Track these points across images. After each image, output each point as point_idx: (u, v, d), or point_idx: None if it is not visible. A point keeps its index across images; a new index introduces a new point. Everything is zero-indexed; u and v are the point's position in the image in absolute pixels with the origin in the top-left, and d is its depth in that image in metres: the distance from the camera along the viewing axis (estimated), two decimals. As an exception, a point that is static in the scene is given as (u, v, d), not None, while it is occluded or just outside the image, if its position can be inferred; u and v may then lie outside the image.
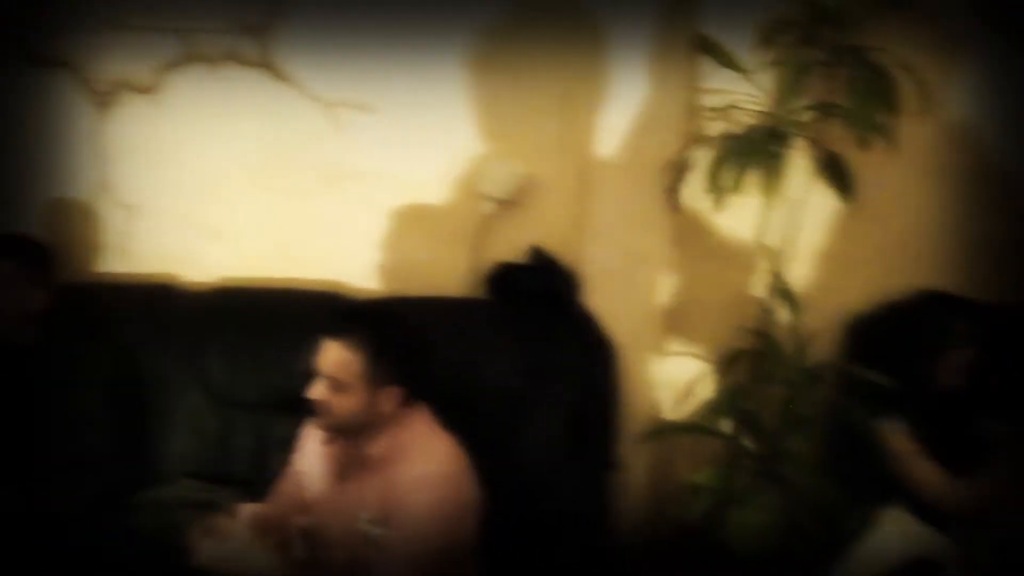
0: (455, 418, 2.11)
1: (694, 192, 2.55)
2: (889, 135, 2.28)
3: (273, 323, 2.54)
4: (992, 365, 2.50)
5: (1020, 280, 2.83)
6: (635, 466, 2.63)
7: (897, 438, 2.47)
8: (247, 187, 2.70)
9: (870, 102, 2.18)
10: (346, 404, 1.97)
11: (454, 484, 2.01)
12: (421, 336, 2.12)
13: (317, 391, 1.98)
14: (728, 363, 2.49)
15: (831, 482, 2.61)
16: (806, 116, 2.39)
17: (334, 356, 1.97)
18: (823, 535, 2.50)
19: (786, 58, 2.37)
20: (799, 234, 2.68)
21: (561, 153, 2.62)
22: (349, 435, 2.04)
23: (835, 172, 2.45)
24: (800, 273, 2.77)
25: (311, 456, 2.19)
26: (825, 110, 2.33)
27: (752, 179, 2.35)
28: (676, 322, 2.73)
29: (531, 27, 2.57)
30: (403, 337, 2.06)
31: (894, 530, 2.47)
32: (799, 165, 2.45)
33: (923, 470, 2.46)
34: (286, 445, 2.27)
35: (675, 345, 2.73)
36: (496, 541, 2.11)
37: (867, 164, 2.56)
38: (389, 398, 1.99)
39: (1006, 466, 2.43)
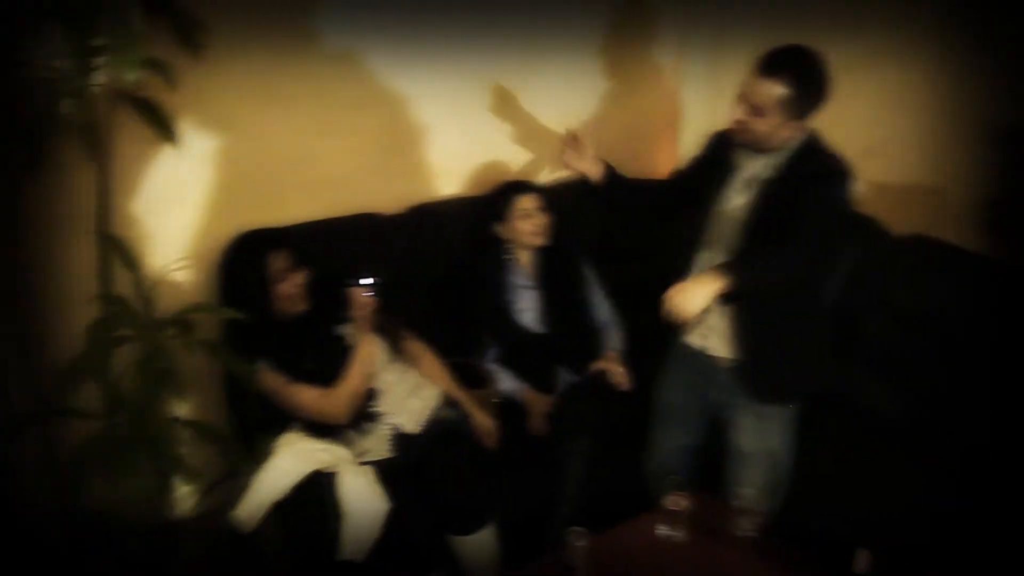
0: None
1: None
2: (169, 75, 2.24)
3: None
4: (329, 278, 2.61)
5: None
6: (21, 464, 2.43)
7: (266, 377, 2.51)
8: None
9: (129, 44, 2.09)
10: None
11: None
12: None
13: None
14: (89, 335, 2.34)
15: (226, 426, 2.63)
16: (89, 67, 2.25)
17: None
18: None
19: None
20: (157, 186, 2.63)
21: None
22: None
23: (151, 117, 2.36)
24: (172, 223, 2.72)
25: None
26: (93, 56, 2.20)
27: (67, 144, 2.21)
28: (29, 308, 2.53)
29: None
30: None
31: (287, 453, 2.53)
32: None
33: (298, 396, 2.53)
34: None
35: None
36: None
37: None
38: None
39: (363, 362, 2.56)
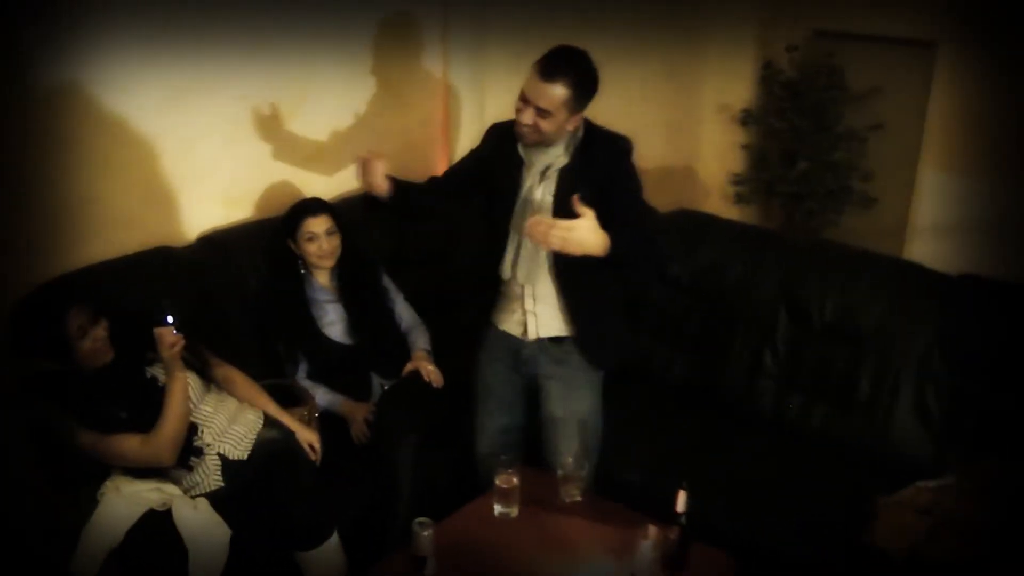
0: None
1: None
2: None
3: None
4: (129, 320, 2.56)
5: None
6: None
7: (79, 435, 2.43)
8: None
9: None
10: None
11: None
12: None
13: None
14: None
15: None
16: None
17: None
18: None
19: None
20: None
21: None
22: None
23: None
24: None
25: None
26: None
27: None
28: None
29: None
30: None
31: (115, 499, 2.48)
32: None
33: (117, 447, 2.46)
34: None
35: None
36: None
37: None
38: None
39: (178, 400, 2.52)
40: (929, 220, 4.37)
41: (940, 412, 2.84)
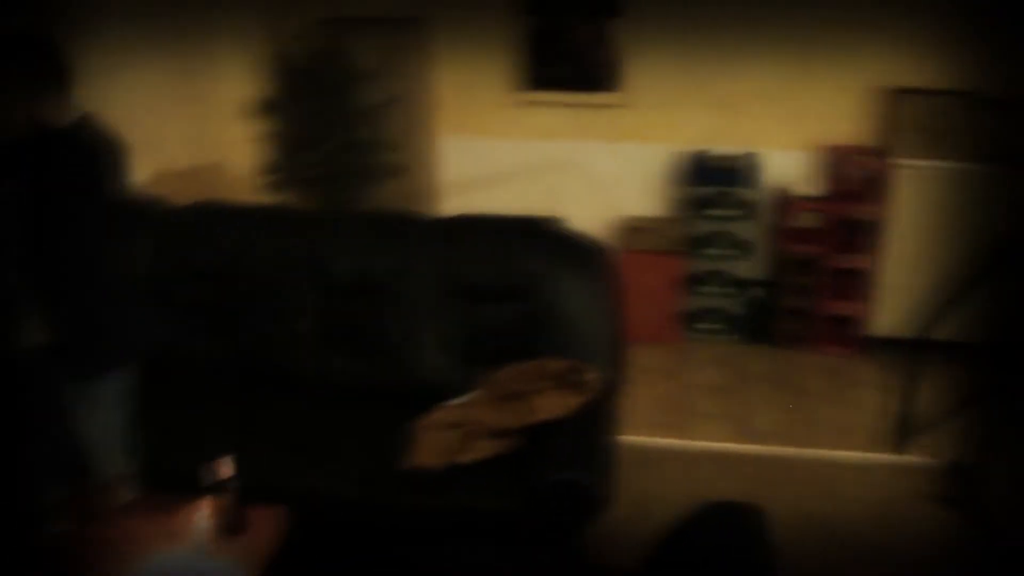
0: None
1: None
2: None
3: None
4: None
5: None
6: None
7: None
8: None
9: None
10: None
11: None
12: None
13: None
14: None
15: None
16: None
17: None
18: None
19: None
20: None
21: None
22: None
23: None
24: None
25: None
26: None
27: None
28: None
29: None
30: None
31: None
32: None
33: None
34: None
35: None
36: None
37: None
38: None
39: None
40: (452, 177, 4.87)
41: (458, 338, 3.18)
